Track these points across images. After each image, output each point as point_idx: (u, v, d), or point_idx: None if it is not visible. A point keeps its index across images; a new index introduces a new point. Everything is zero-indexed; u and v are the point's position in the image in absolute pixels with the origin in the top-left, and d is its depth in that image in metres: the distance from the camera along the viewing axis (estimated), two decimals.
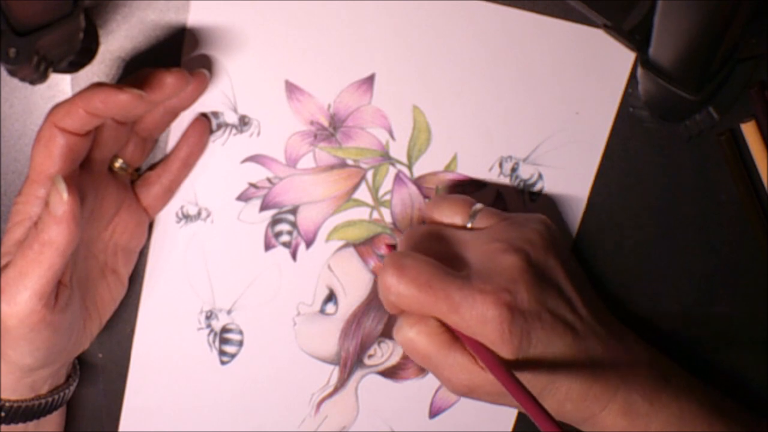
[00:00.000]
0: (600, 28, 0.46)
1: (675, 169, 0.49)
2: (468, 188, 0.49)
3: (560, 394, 0.42)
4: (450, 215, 0.45)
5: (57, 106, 0.40)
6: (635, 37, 0.43)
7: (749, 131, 0.48)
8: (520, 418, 0.51)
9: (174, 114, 0.46)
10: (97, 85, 0.40)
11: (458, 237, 0.44)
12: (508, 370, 0.39)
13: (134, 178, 0.46)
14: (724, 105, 0.43)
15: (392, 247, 0.48)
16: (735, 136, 0.49)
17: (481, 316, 0.40)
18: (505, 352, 0.40)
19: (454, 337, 0.41)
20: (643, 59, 0.42)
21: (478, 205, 0.45)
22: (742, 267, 0.50)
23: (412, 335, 0.41)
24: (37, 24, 0.38)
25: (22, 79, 0.40)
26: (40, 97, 0.47)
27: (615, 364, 0.43)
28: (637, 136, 0.49)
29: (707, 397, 0.45)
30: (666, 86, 0.41)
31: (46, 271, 0.38)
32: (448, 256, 0.42)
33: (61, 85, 0.47)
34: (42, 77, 0.41)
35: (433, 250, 0.42)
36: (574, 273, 0.45)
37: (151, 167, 0.47)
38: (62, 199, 0.38)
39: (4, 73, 0.41)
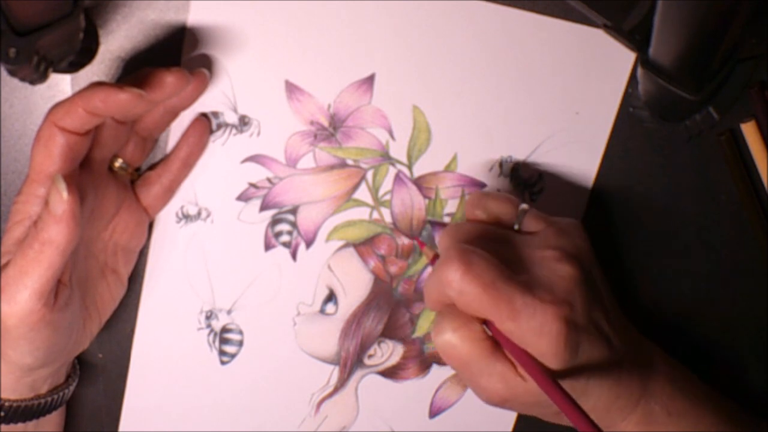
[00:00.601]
0: (600, 28, 0.46)
1: (675, 169, 0.49)
2: (468, 188, 0.49)
3: (588, 404, 0.41)
4: (497, 214, 0.44)
5: (57, 106, 0.40)
6: (635, 37, 0.43)
7: (749, 131, 0.48)
8: (520, 419, 0.51)
9: (174, 113, 0.46)
10: (97, 85, 0.40)
11: (512, 239, 0.43)
12: (555, 381, 0.38)
13: (134, 177, 0.46)
14: (724, 105, 0.43)
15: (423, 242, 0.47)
16: (735, 136, 0.49)
17: (539, 327, 0.38)
18: (554, 364, 0.39)
19: (496, 344, 0.40)
20: (643, 59, 0.42)
21: (524, 206, 0.44)
22: (742, 267, 0.50)
23: (454, 340, 0.40)
24: (37, 24, 0.38)
25: (22, 79, 0.40)
26: (40, 97, 0.47)
27: (638, 374, 0.43)
28: (637, 136, 0.49)
29: (723, 406, 0.46)
30: (666, 86, 0.41)
31: (46, 271, 0.38)
32: (503, 258, 0.41)
33: (61, 85, 0.46)
34: (42, 77, 0.41)
35: (487, 249, 0.40)
36: (604, 282, 0.45)
37: (151, 167, 0.47)
38: (62, 198, 0.38)
39: (4, 73, 0.41)
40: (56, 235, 0.38)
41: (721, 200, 0.50)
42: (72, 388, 0.46)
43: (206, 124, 0.47)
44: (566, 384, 0.39)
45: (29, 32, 0.38)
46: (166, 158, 0.47)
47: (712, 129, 0.46)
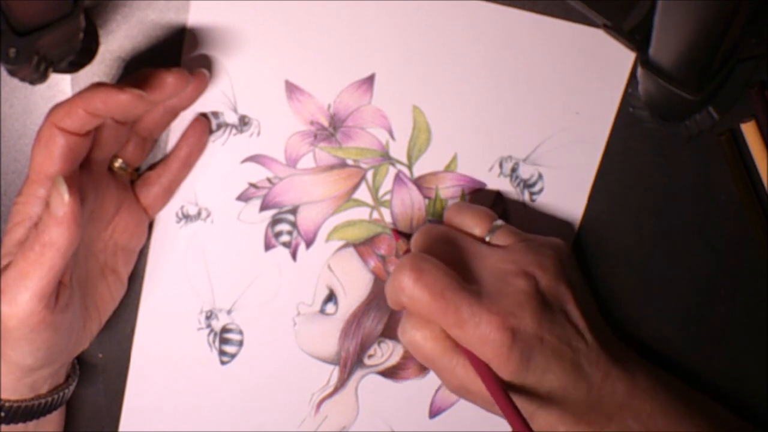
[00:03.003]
0: (600, 28, 0.46)
1: (675, 169, 0.49)
2: (468, 188, 0.49)
3: (553, 418, 0.42)
4: (470, 225, 0.46)
5: (57, 107, 0.40)
6: (635, 37, 0.43)
7: (749, 131, 0.48)
8: None
9: (174, 114, 0.46)
10: (97, 85, 0.40)
11: (474, 249, 0.44)
12: (501, 386, 0.40)
13: (134, 177, 0.46)
14: (724, 105, 0.43)
15: (401, 234, 0.48)
16: (735, 136, 0.49)
17: (483, 337, 0.40)
18: (502, 373, 0.41)
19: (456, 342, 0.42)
20: (643, 59, 0.42)
21: (499, 222, 0.46)
22: (742, 267, 0.50)
23: (417, 338, 0.42)
24: (37, 24, 0.38)
25: (22, 79, 0.40)
26: (40, 97, 0.47)
27: (614, 390, 0.43)
28: (637, 136, 0.49)
29: (708, 420, 0.45)
30: (666, 86, 0.41)
31: (47, 272, 0.38)
32: (461, 265, 0.43)
33: (61, 85, 0.46)
34: (42, 77, 0.41)
35: (448, 254, 0.43)
36: (584, 299, 0.45)
37: (151, 167, 0.47)
38: (63, 200, 0.38)
39: (4, 73, 0.41)
40: (57, 237, 0.38)
41: (721, 200, 0.50)
42: (72, 387, 0.46)
43: (206, 124, 0.47)
44: (523, 397, 0.41)
45: (29, 32, 0.38)
46: (165, 158, 0.47)
47: (712, 129, 0.46)
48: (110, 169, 0.45)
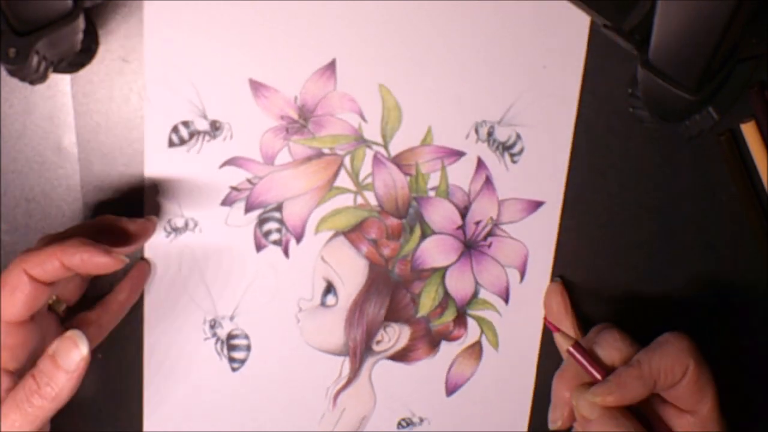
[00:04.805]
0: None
1: (675, 169, 0.49)
2: (448, 159, 0.48)
3: None
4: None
5: (30, 253, 0.39)
6: (635, 37, 0.43)
7: (749, 131, 0.48)
8: (539, 386, 0.51)
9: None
10: (81, 243, 0.39)
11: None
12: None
13: (63, 314, 0.45)
14: (724, 105, 0.43)
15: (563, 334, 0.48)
16: (735, 136, 0.49)
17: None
18: None
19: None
20: (643, 59, 0.42)
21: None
22: (742, 267, 0.50)
23: None
24: (37, 24, 0.38)
25: (22, 79, 0.40)
26: (40, 97, 0.47)
27: None
28: (637, 136, 0.49)
29: None
30: (666, 86, 0.41)
31: (40, 424, 0.38)
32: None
33: (61, 85, 0.46)
34: (42, 77, 0.41)
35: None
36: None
37: (89, 307, 0.46)
38: (82, 354, 0.38)
39: (4, 73, 0.41)
40: (64, 390, 0.38)
41: (721, 200, 0.50)
42: None
43: (147, 270, 0.47)
44: None
45: (29, 32, 0.38)
46: (104, 301, 0.46)
47: (712, 129, 0.46)
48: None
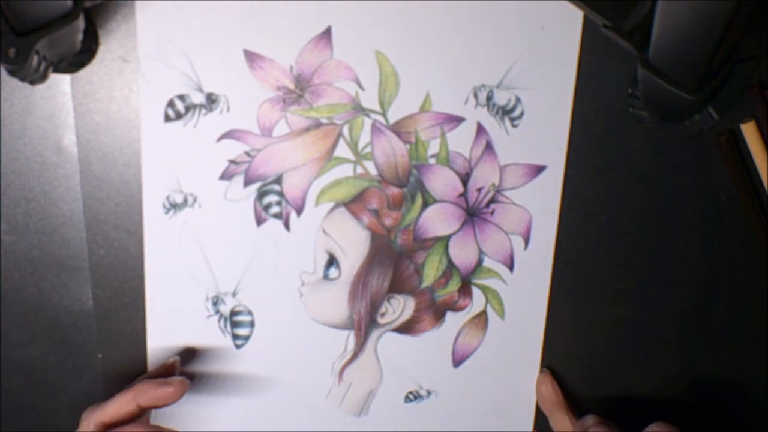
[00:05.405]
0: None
1: (675, 169, 0.49)
2: (447, 125, 0.48)
3: None
4: None
5: (102, 408, 0.44)
6: (635, 37, 0.43)
7: (749, 131, 0.48)
8: (547, 352, 0.51)
9: None
10: (148, 383, 0.44)
11: None
12: None
13: None
14: (724, 105, 0.43)
15: None
16: (735, 136, 0.49)
17: None
18: None
19: None
20: (643, 59, 0.42)
21: None
22: (742, 267, 0.50)
23: None
24: (37, 24, 0.38)
25: (22, 79, 0.40)
26: (40, 97, 0.47)
27: None
28: (637, 136, 0.49)
29: None
30: (666, 86, 0.41)
31: None
32: None
33: (61, 85, 0.46)
34: (42, 77, 0.41)
35: None
36: None
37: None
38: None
39: (4, 73, 0.41)
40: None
41: (721, 200, 0.50)
42: None
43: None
44: None
45: (29, 32, 0.38)
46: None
47: (712, 129, 0.46)
48: None
